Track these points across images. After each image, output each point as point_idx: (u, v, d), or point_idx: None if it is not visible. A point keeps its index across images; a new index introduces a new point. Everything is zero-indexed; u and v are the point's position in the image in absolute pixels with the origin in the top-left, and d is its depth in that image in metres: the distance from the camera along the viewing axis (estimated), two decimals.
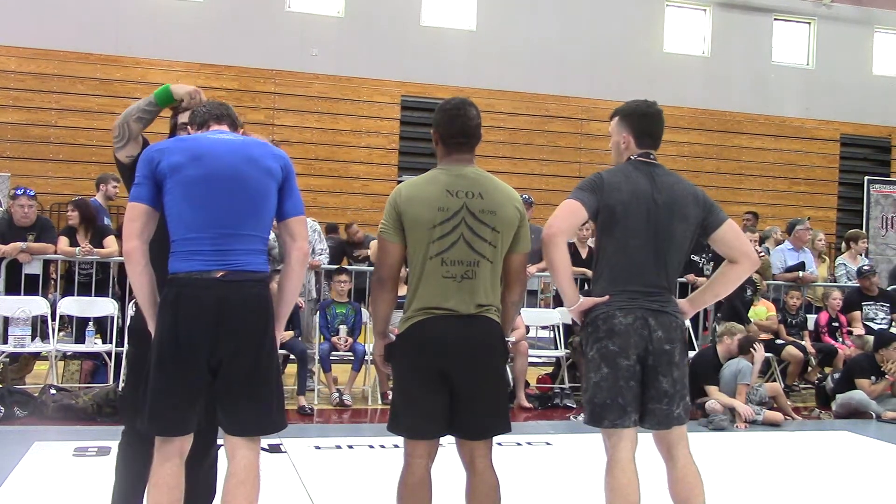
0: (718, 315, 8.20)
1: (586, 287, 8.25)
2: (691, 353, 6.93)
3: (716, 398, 7.03)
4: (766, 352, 8.39)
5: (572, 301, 3.28)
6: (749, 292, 8.30)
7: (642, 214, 3.22)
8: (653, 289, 3.24)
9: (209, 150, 2.94)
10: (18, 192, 7.39)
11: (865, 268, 9.31)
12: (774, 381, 8.20)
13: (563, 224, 3.20)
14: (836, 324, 9.06)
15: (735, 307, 8.09)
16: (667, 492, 3.36)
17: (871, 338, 8.32)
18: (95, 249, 7.32)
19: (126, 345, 3.87)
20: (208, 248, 2.89)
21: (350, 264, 9.56)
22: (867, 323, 9.00)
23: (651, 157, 3.36)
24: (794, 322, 8.92)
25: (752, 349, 7.22)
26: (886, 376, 7.72)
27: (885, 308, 9.15)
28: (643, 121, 3.38)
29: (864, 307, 9.11)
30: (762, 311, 8.67)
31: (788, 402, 7.94)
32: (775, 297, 9.13)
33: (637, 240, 3.22)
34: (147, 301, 2.97)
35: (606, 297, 3.23)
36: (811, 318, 9.19)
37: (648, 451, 3.37)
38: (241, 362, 2.90)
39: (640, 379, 3.22)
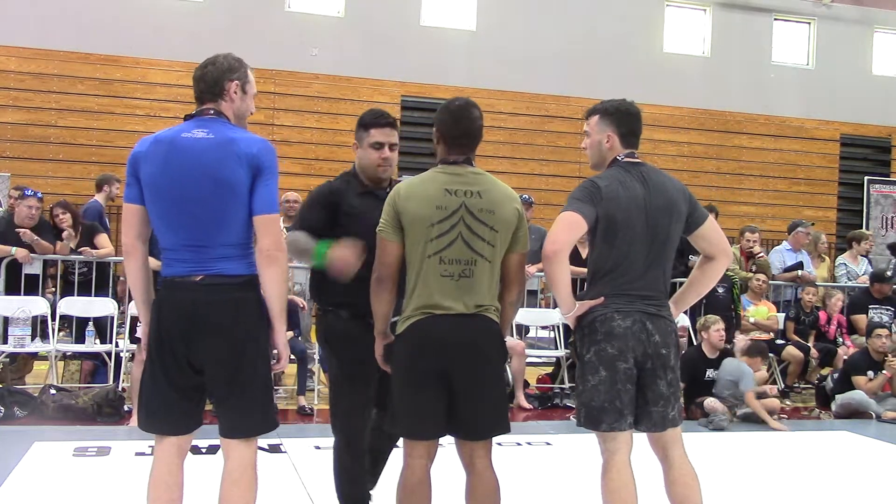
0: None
1: (586, 287, 8.21)
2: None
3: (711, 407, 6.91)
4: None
5: (570, 308, 3.28)
6: (721, 290, 8.12)
7: (641, 221, 3.20)
8: (650, 293, 3.25)
9: (179, 166, 2.88)
10: (28, 193, 7.42)
11: (889, 273, 9.18)
12: (774, 381, 8.18)
13: (566, 238, 3.18)
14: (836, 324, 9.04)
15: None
16: (663, 493, 3.36)
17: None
18: (88, 250, 7.32)
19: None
20: (187, 256, 2.92)
21: None
22: None
23: (636, 155, 3.34)
24: (806, 321, 8.87)
25: (760, 359, 7.16)
26: (883, 371, 7.69)
27: (889, 312, 9.06)
28: (628, 119, 3.35)
29: (870, 310, 8.99)
30: (763, 310, 8.55)
31: (787, 403, 7.94)
32: (775, 300, 9.11)
33: (637, 246, 3.21)
34: (139, 298, 3.06)
35: (601, 298, 3.22)
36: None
37: (644, 453, 3.37)
38: (223, 365, 2.91)
39: (637, 382, 3.22)
